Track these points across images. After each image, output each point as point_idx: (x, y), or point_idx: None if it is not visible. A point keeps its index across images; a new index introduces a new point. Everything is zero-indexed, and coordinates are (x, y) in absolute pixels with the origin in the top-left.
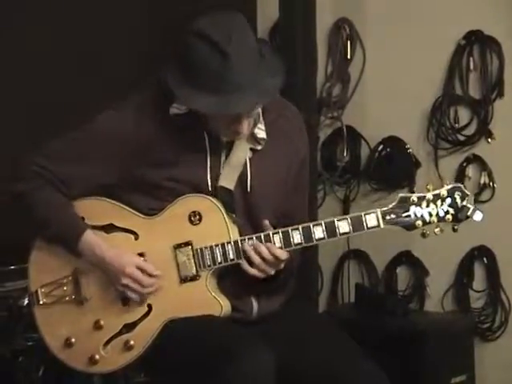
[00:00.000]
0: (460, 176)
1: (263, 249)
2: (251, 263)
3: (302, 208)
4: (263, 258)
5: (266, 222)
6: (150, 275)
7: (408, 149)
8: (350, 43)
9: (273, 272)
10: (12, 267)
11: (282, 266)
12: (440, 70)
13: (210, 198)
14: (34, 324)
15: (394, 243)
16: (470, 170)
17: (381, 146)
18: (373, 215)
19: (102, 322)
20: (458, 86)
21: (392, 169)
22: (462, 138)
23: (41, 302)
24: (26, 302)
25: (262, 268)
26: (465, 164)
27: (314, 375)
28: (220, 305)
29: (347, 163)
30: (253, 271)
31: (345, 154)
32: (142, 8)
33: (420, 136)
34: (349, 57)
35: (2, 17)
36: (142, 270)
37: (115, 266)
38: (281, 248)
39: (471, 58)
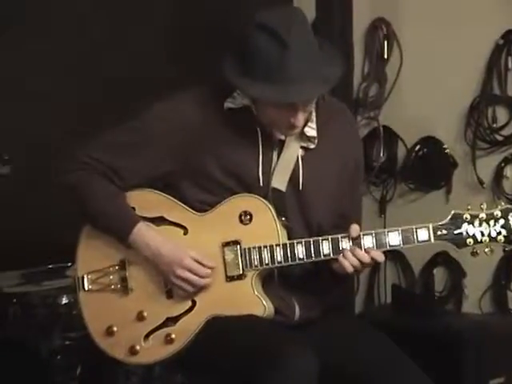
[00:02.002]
0: (497, 176)
1: (360, 252)
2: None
3: (356, 211)
4: (360, 261)
5: (356, 227)
6: (206, 267)
7: (445, 149)
8: (387, 43)
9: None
10: (50, 266)
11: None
12: (478, 70)
13: (263, 199)
14: (78, 309)
15: (431, 244)
16: (508, 171)
17: (418, 146)
18: (424, 230)
19: (145, 314)
20: (495, 85)
21: (429, 169)
22: (499, 138)
23: (86, 289)
24: (65, 301)
25: (355, 265)
26: (502, 164)
27: (357, 377)
28: (263, 306)
29: (384, 163)
30: (350, 268)
31: (381, 154)
32: (173, 7)
33: (457, 136)
34: (386, 57)
35: (55, 18)
36: (199, 262)
37: (172, 258)
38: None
39: (509, 58)
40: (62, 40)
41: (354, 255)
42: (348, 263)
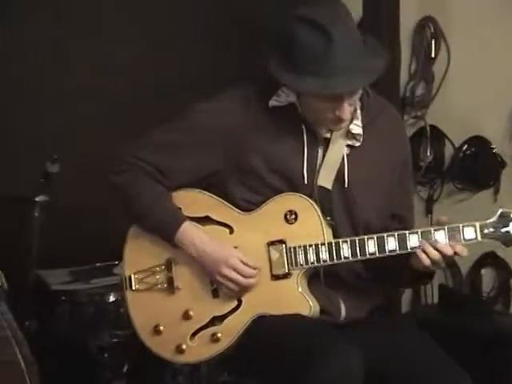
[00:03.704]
0: None
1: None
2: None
3: (410, 210)
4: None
5: (443, 218)
6: (251, 268)
7: (493, 148)
8: (435, 42)
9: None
10: (98, 264)
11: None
12: None
13: (308, 198)
14: (125, 309)
15: (479, 244)
16: None
17: (465, 146)
18: (471, 228)
19: (191, 313)
20: None
21: (477, 168)
22: None
23: (133, 288)
24: (112, 299)
25: (436, 260)
26: None
27: (401, 377)
28: (309, 305)
29: (431, 163)
30: (427, 262)
31: (428, 153)
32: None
33: (505, 135)
34: (433, 56)
35: (106, 18)
36: (243, 263)
37: (217, 257)
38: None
39: None
40: (112, 40)
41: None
42: (425, 257)
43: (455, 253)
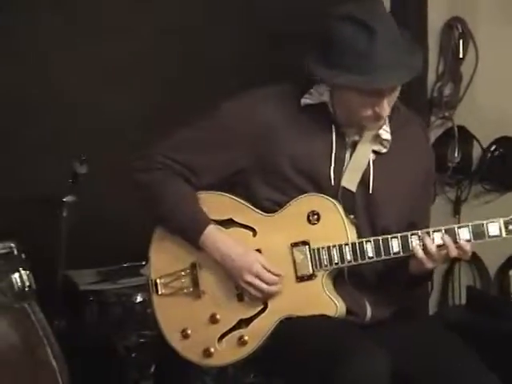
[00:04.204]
0: None
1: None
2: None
3: (426, 218)
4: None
5: None
6: (274, 275)
7: None
8: (463, 42)
9: (441, 263)
10: (125, 265)
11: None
12: None
13: (330, 198)
14: (152, 313)
15: (507, 245)
16: None
17: (493, 146)
18: (495, 224)
19: (218, 316)
20: None
21: (505, 169)
22: None
23: (159, 293)
24: (139, 299)
25: (435, 258)
26: None
27: (427, 378)
28: (335, 305)
29: (458, 163)
30: (425, 258)
31: (456, 154)
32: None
33: None
34: (461, 56)
35: (133, 18)
36: (266, 269)
37: (241, 263)
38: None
39: None
40: (139, 39)
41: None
42: (425, 257)
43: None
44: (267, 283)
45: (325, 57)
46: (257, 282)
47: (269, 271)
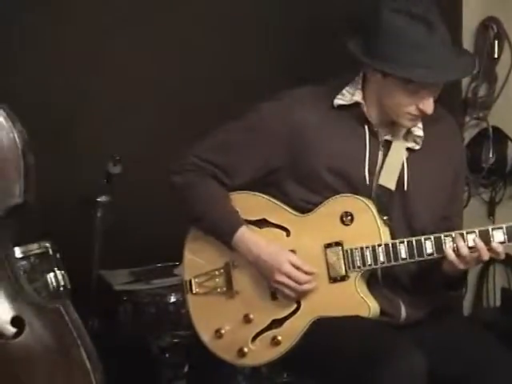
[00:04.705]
0: None
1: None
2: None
3: (459, 216)
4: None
5: None
6: (306, 273)
7: None
8: (498, 42)
9: (472, 267)
10: (159, 265)
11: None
12: None
13: (363, 199)
14: (187, 312)
15: None
16: None
17: None
18: None
19: (251, 316)
20: None
21: None
22: None
23: (194, 292)
24: (173, 299)
25: (467, 260)
26: None
27: (462, 377)
28: (368, 306)
29: (493, 164)
30: (457, 260)
31: (490, 155)
32: (275, 8)
33: None
34: (496, 56)
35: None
36: (298, 268)
37: (272, 263)
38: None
39: None
40: (178, 40)
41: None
42: (457, 259)
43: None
44: (299, 282)
45: (377, 48)
46: (288, 281)
47: (300, 270)
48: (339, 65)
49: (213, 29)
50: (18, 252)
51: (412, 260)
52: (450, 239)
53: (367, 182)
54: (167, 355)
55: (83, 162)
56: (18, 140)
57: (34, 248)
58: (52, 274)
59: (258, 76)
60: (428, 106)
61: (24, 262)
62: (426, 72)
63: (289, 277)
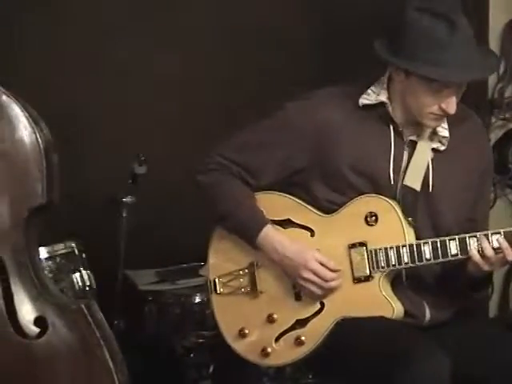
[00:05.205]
0: None
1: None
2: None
3: (485, 217)
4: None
5: None
6: (332, 271)
7: None
8: None
9: (498, 269)
10: (184, 265)
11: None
12: None
13: (388, 199)
14: (211, 312)
15: None
16: None
17: None
18: None
19: (275, 316)
20: None
21: None
22: None
23: (218, 292)
24: (198, 299)
25: (492, 262)
26: None
27: (487, 378)
28: (392, 307)
29: None
30: (482, 262)
31: None
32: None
33: None
34: None
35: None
36: (324, 265)
37: (297, 260)
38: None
39: None
40: (201, 40)
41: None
42: (482, 260)
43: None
44: (325, 279)
45: (401, 47)
46: (314, 278)
47: (326, 266)
48: (364, 66)
49: (236, 30)
50: (43, 252)
51: (436, 261)
52: (475, 240)
53: (392, 182)
54: (192, 355)
55: (109, 163)
56: (40, 140)
57: (60, 248)
58: (78, 274)
59: (283, 76)
60: (451, 105)
61: (50, 262)
62: (448, 71)
63: (315, 273)
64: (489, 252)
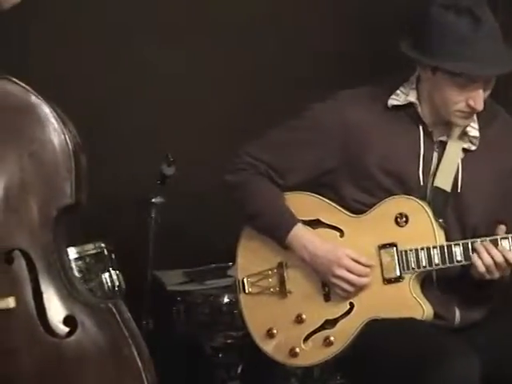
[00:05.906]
0: None
1: (495, 251)
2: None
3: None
4: (494, 261)
5: (502, 227)
6: (364, 266)
7: None
8: None
9: (497, 276)
10: (213, 265)
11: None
12: None
13: (419, 200)
14: (239, 312)
15: None
16: None
17: None
18: None
19: (303, 316)
20: None
21: None
22: None
23: (247, 291)
24: (226, 300)
25: (491, 270)
26: None
27: None
28: (422, 308)
29: None
30: (482, 268)
31: None
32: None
33: None
34: None
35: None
36: (356, 261)
37: (330, 258)
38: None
39: None
40: (230, 40)
41: (488, 254)
42: (481, 262)
43: (507, 262)
44: (359, 275)
45: (425, 44)
46: (347, 274)
47: (358, 262)
48: (393, 65)
49: (271, 28)
50: (73, 252)
51: (467, 263)
52: (507, 241)
53: (421, 184)
54: (220, 355)
55: (138, 164)
56: (68, 140)
57: (90, 248)
58: (107, 274)
59: (311, 76)
60: (478, 101)
61: (79, 263)
62: (472, 65)
63: (348, 269)
64: None
